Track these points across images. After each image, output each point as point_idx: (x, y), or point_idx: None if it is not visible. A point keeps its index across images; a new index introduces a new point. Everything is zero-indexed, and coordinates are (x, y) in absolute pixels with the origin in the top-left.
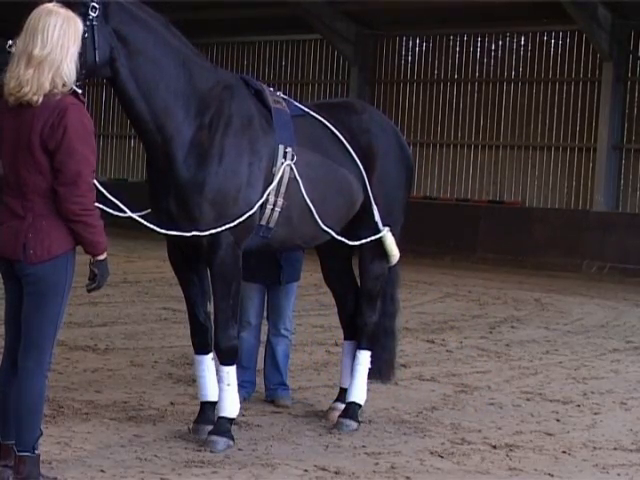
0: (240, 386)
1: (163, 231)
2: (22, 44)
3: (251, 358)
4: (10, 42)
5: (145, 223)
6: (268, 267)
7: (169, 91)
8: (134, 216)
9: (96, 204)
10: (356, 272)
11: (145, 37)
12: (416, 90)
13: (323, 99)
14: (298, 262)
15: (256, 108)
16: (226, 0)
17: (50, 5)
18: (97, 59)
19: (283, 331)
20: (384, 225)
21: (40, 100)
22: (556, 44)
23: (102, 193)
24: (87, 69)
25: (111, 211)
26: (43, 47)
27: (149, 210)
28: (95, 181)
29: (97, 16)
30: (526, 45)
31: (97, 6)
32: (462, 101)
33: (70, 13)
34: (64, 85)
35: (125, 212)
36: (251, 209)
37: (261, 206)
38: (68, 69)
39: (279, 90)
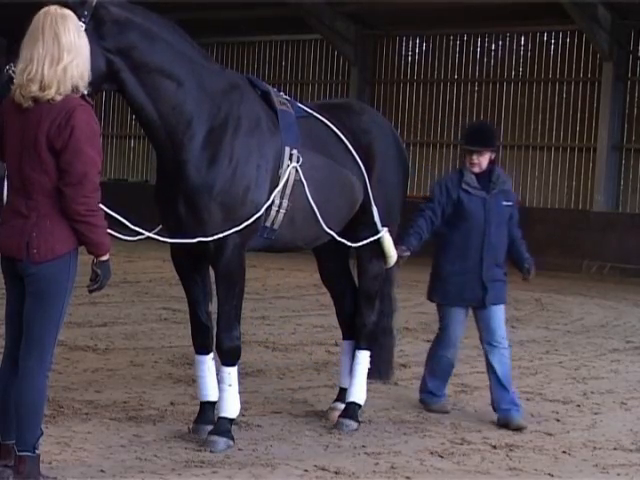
0: (432, 394)
1: (170, 240)
2: (42, 48)
3: (449, 373)
4: (8, 66)
5: (153, 235)
6: (472, 289)
7: (178, 97)
8: (140, 230)
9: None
10: (354, 272)
11: (149, 46)
12: (416, 90)
13: (323, 99)
14: (502, 283)
15: (263, 110)
16: (226, 0)
17: (57, 7)
18: (91, 77)
19: (495, 343)
20: (382, 225)
21: (58, 99)
22: (556, 44)
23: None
24: None
25: (116, 235)
26: (69, 52)
27: (159, 227)
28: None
29: (89, 31)
30: (526, 45)
31: (84, 25)
32: (462, 101)
33: (74, 15)
34: (82, 85)
35: (137, 232)
36: (258, 211)
37: (267, 208)
38: (87, 72)
39: (280, 90)
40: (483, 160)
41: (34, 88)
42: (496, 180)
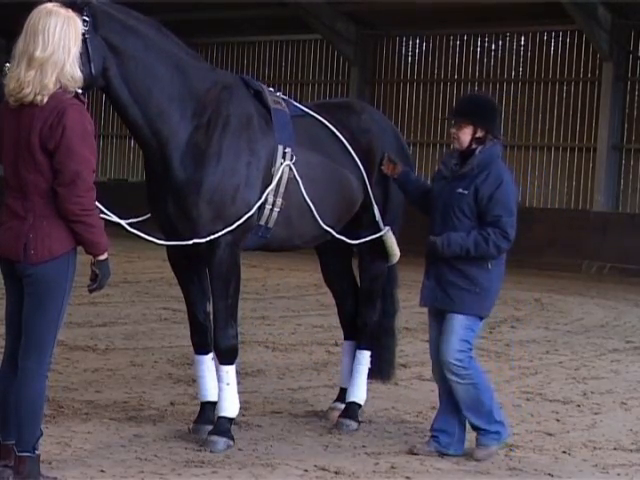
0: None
1: (164, 242)
2: (22, 45)
3: (443, 403)
4: (8, 65)
5: (146, 237)
6: (431, 289)
7: (163, 95)
8: (136, 232)
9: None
10: (356, 272)
11: (135, 44)
12: (416, 90)
13: (323, 99)
14: (459, 291)
15: (255, 108)
16: (226, 0)
17: (50, 5)
18: (93, 71)
19: (445, 367)
20: (384, 225)
21: (45, 100)
22: (556, 44)
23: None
24: (84, 82)
25: (113, 217)
26: (44, 49)
27: (147, 216)
28: (99, 204)
29: (88, 29)
30: (526, 45)
31: (87, 19)
32: None
33: (70, 13)
34: (72, 84)
35: (128, 229)
36: (249, 209)
37: (260, 206)
38: (71, 69)
39: (279, 90)
40: (462, 135)
41: (12, 86)
42: (470, 163)
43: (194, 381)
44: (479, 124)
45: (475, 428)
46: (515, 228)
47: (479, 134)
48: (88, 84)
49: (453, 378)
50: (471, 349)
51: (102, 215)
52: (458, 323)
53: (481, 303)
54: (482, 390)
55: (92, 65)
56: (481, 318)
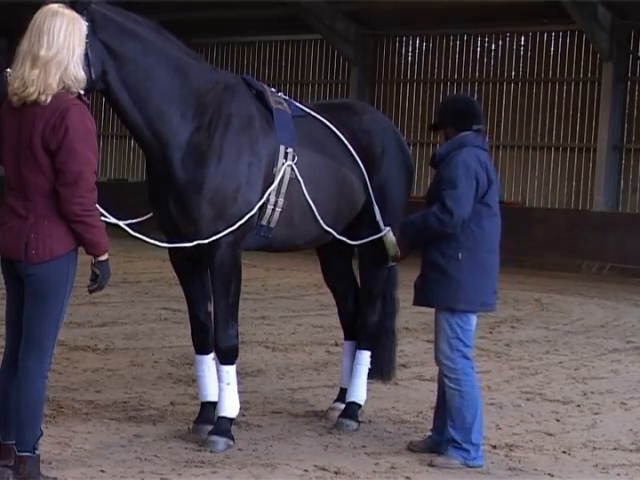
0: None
1: (166, 245)
2: (27, 44)
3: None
4: (8, 70)
5: (148, 240)
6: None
7: (163, 97)
8: (138, 235)
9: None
10: (356, 272)
11: (134, 46)
12: (416, 90)
13: (323, 99)
14: (426, 282)
15: (257, 109)
16: (226, 0)
17: (55, 6)
18: (92, 75)
19: (443, 369)
20: (385, 225)
21: (48, 100)
22: (556, 44)
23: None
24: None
25: (115, 221)
26: (49, 48)
27: (149, 215)
28: (98, 206)
29: (87, 33)
30: (526, 45)
31: (87, 23)
32: None
33: (74, 14)
34: (75, 85)
35: (130, 232)
36: (251, 209)
37: (261, 206)
38: (75, 69)
39: (279, 90)
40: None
41: (16, 85)
42: (434, 159)
43: (194, 381)
44: (440, 127)
45: (450, 438)
46: (461, 202)
47: (448, 133)
48: (88, 87)
49: (444, 379)
50: (467, 346)
51: (103, 218)
52: (442, 319)
53: (452, 294)
54: (467, 402)
55: (91, 69)
56: (455, 311)
